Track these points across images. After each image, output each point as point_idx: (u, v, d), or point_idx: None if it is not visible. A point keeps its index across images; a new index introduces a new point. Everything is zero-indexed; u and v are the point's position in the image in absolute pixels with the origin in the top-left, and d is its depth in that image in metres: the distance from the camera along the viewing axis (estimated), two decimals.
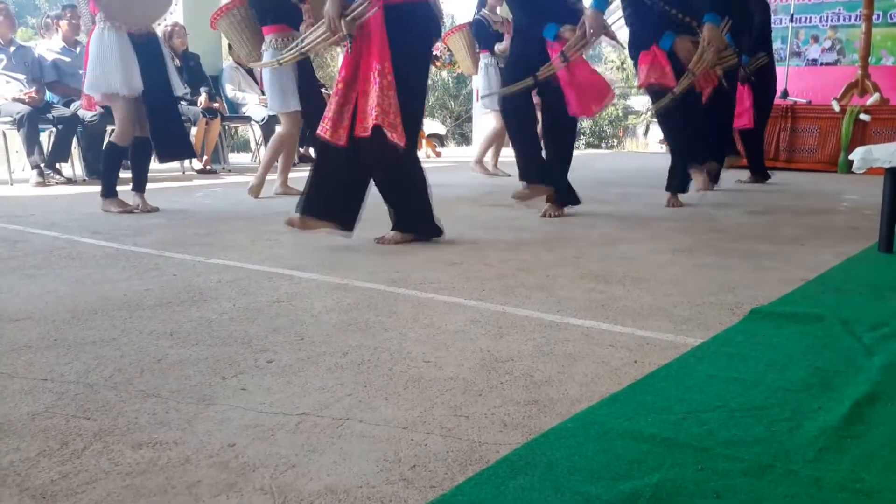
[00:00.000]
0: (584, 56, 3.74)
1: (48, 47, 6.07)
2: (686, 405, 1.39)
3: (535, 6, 3.74)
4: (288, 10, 4.56)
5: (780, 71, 6.61)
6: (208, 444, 1.24)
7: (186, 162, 6.82)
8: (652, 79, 4.19)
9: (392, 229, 3.13)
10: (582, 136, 14.83)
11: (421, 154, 8.63)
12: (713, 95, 4.59)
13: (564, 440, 1.24)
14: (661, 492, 1.07)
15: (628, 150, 15.45)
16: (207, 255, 2.84)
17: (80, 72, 4.76)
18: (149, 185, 4.26)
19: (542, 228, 3.56)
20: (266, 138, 7.54)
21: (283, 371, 1.59)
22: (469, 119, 14.30)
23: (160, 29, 6.73)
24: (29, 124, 5.52)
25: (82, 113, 5.65)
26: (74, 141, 6.00)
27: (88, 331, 1.87)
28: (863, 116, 6.86)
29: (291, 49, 3.26)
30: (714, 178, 5.19)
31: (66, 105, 5.87)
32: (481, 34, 6.27)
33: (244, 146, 11.05)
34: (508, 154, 5.03)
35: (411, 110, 2.93)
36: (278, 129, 4.89)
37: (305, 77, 4.58)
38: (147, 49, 3.84)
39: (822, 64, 8.42)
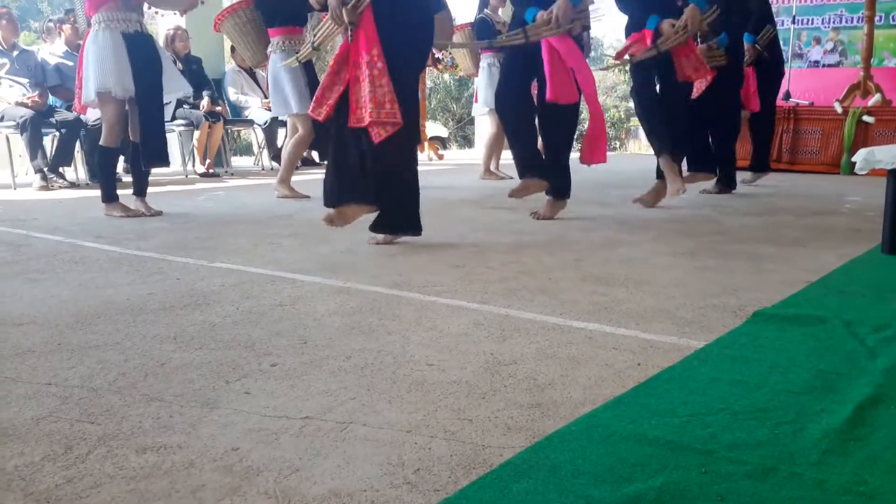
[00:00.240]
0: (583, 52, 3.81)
1: (51, 51, 6.09)
2: (689, 408, 1.39)
3: None
4: (295, 12, 4.57)
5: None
6: (212, 447, 1.24)
7: (189, 165, 6.85)
8: (631, 53, 4.24)
9: (376, 230, 3.11)
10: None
11: (423, 156, 8.69)
12: (704, 97, 4.62)
13: (568, 443, 1.24)
14: (664, 495, 1.07)
15: (630, 152, 15.45)
16: (210, 258, 2.85)
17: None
18: (151, 189, 4.26)
19: (543, 231, 3.56)
20: (268, 141, 7.57)
21: (287, 375, 1.60)
22: (471, 121, 14.31)
23: (162, 32, 6.82)
24: (32, 128, 5.54)
25: (85, 117, 5.66)
26: (77, 145, 6.02)
27: (92, 335, 1.87)
28: (867, 118, 6.85)
29: (306, 46, 3.31)
30: (727, 182, 5.16)
31: (69, 109, 5.88)
32: (485, 34, 6.28)
33: (247, 149, 11.07)
34: (508, 155, 5.04)
35: (405, 97, 2.94)
36: (288, 128, 4.94)
37: (308, 78, 4.60)
38: (142, 51, 3.81)
39: (824, 66, 8.41)
